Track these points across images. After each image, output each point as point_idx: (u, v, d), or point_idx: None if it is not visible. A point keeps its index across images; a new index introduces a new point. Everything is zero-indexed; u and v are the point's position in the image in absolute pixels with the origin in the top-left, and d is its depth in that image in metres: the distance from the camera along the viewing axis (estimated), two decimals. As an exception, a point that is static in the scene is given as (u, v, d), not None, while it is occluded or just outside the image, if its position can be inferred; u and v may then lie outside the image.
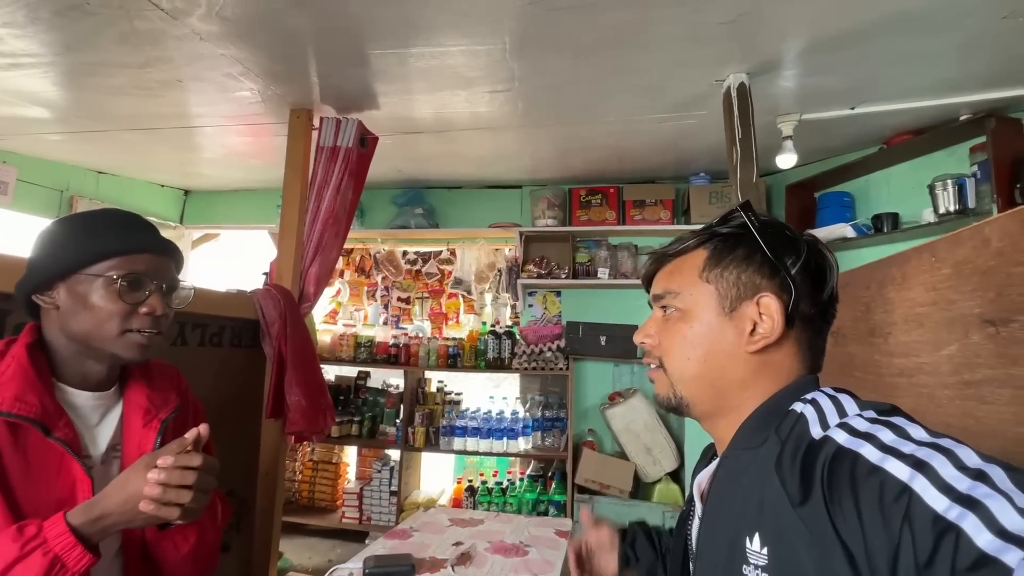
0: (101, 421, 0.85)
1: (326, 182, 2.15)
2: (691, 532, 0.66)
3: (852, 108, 2.30)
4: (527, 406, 3.41)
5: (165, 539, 0.83)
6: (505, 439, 3.22)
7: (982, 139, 2.34)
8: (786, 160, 2.36)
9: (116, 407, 0.87)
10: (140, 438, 0.84)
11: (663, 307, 0.64)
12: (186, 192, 4.03)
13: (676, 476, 3.10)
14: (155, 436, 0.84)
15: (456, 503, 3.29)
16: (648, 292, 0.69)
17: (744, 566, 0.51)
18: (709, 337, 0.59)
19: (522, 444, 3.25)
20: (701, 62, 1.91)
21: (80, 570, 0.66)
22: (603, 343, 3.29)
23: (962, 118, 2.39)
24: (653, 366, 0.64)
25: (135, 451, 0.83)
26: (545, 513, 3.10)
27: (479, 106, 2.36)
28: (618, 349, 3.28)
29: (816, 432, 0.49)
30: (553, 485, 3.15)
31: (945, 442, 0.43)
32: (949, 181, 2.42)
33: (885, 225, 2.70)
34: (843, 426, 0.48)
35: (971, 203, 2.37)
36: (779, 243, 0.58)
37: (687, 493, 0.71)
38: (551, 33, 1.73)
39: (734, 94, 1.94)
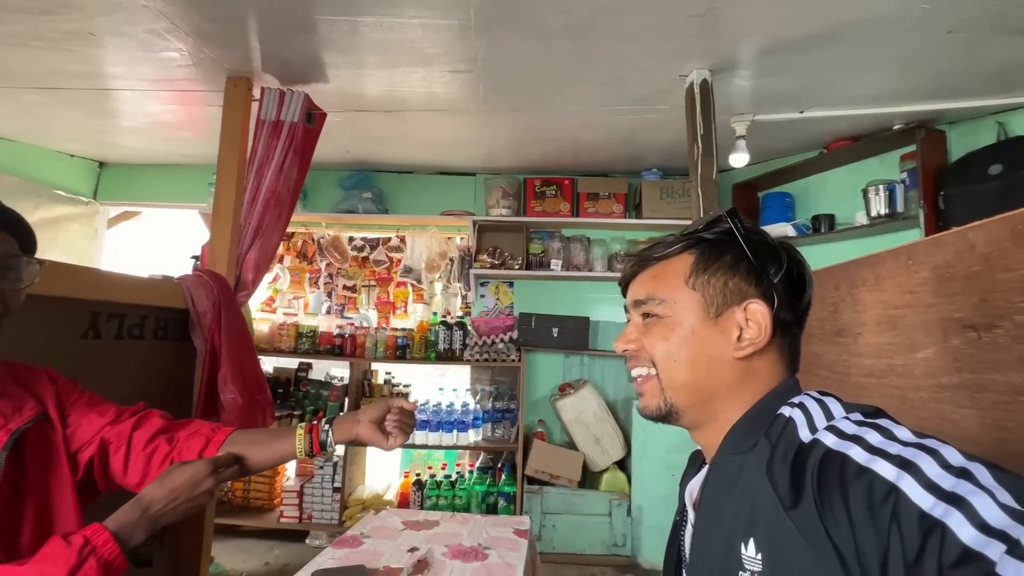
0: None
1: (267, 159, 1.97)
2: (684, 541, 0.65)
3: (801, 112, 2.39)
4: (477, 398, 3.36)
5: None
6: (455, 431, 3.16)
7: (912, 148, 2.51)
8: (739, 159, 2.41)
9: None
10: None
11: (644, 313, 0.62)
12: (101, 164, 3.60)
13: (623, 465, 3.17)
14: None
15: (403, 498, 3.19)
16: (624, 295, 0.67)
17: (740, 572, 0.50)
18: (694, 343, 0.59)
19: (472, 436, 3.19)
20: (666, 55, 1.90)
21: (122, 573, 0.70)
22: (555, 335, 3.28)
23: (895, 127, 2.55)
24: (644, 374, 0.62)
25: None
26: (495, 505, 3.07)
27: (436, 86, 2.24)
28: (570, 341, 3.29)
29: (805, 435, 0.50)
30: (503, 477, 3.12)
31: (930, 442, 0.44)
32: (881, 186, 2.58)
33: (823, 225, 2.85)
34: (831, 429, 0.49)
35: (900, 208, 2.54)
36: (763, 251, 0.59)
37: (678, 503, 0.70)
38: (520, 11, 1.65)
39: (696, 90, 1.94)
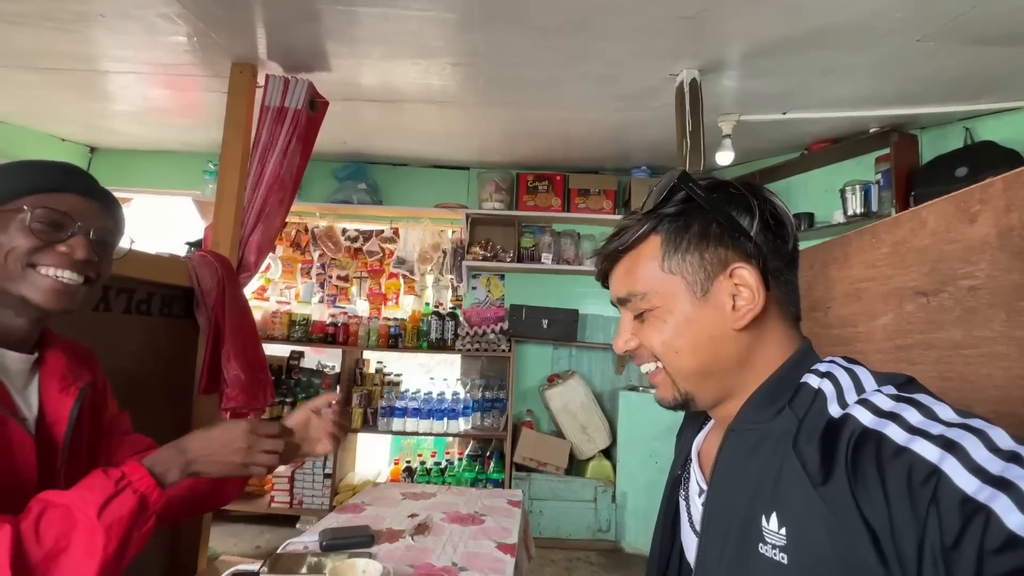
0: (27, 386, 0.79)
1: (271, 145, 2.02)
2: (686, 497, 0.64)
3: (784, 113, 2.51)
4: (467, 387, 3.43)
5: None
6: (445, 419, 3.22)
7: (886, 151, 2.65)
8: (724, 157, 2.52)
9: (37, 373, 0.81)
10: (57, 404, 0.79)
11: (634, 312, 0.59)
12: (92, 149, 3.59)
13: (608, 453, 3.26)
14: (72, 402, 0.79)
15: (393, 484, 3.25)
16: (608, 289, 0.63)
17: (761, 545, 0.49)
18: (691, 328, 0.55)
19: (462, 424, 3.26)
20: (658, 55, 2.00)
21: (158, 510, 0.71)
22: (545, 326, 3.37)
23: (871, 131, 2.69)
24: (651, 369, 0.60)
25: (55, 416, 0.78)
26: (483, 491, 3.15)
27: (434, 78, 2.30)
28: (559, 332, 3.37)
29: (835, 410, 0.47)
30: (491, 464, 3.20)
31: (976, 422, 0.41)
32: (857, 186, 2.72)
33: (802, 224, 2.98)
34: (863, 403, 0.46)
35: (874, 207, 2.68)
36: (731, 207, 0.54)
37: (676, 455, 0.70)
38: (521, 7, 1.72)
39: (686, 89, 2.04)
